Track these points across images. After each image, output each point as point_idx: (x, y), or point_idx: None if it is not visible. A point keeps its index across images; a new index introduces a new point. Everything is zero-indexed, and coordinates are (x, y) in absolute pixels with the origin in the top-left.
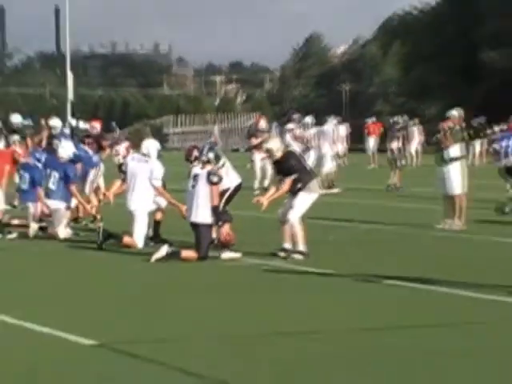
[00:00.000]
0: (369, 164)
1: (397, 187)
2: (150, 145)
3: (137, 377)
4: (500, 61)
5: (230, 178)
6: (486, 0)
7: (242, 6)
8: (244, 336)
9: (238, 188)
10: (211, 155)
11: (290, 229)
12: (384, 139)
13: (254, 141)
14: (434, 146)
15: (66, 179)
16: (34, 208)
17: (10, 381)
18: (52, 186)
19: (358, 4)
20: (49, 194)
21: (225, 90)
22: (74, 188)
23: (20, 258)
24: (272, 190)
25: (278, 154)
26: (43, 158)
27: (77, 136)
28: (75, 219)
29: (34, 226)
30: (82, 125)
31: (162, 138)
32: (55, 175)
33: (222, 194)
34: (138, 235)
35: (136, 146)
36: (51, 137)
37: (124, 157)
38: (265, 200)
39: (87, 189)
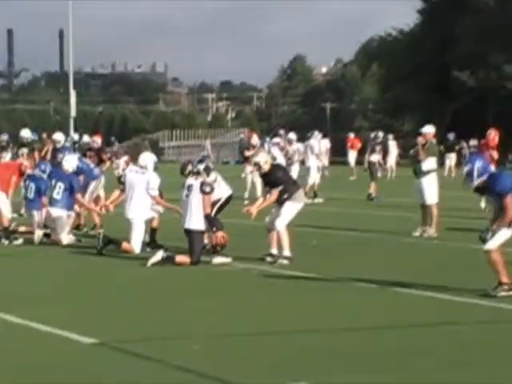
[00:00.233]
0: (351, 175)
1: (374, 197)
2: (147, 157)
3: (136, 375)
4: (472, 80)
5: (222, 190)
6: (461, 23)
7: (231, 30)
8: (240, 334)
9: (229, 199)
10: (201, 166)
11: (276, 235)
12: (363, 153)
13: (247, 153)
14: (411, 160)
15: (71, 190)
16: (38, 216)
17: (11, 378)
18: (57, 195)
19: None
20: (52, 202)
21: (216, 107)
22: (80, 197)
23: (25, 262)
24: (260, 200)
25: (266, 167)
26: (48, 169)
27: (80, 149)
28: (77, 226)
29: (38, 233)
30: (86, 138)
31: (158, 151)
32: (61, 186)
33: (213, 203)
34: (136, 241)
35: (134, 159)
36: (55, 150)
37: (123, 169)
38: (254, 210)
39: (87, 199)
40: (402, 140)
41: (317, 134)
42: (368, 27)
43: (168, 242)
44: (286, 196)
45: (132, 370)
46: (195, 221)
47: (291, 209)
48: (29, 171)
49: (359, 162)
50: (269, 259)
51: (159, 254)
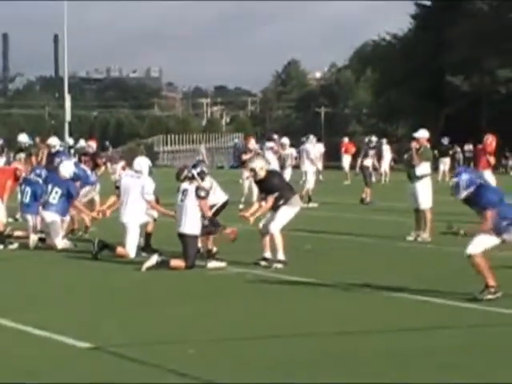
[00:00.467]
0: (345, 180)
1: (368, 201)
2: (142, 162)
3: (131, 379)
4: (465, 85)
5: (217, 196)
6: (454, 28)
7: (226, 35)
8: (235, 339)
9: (224, 204)
10: (195, 171)
11: (270, 239)
12: (357, 157)
13: (244, 157)
14: (405, 164)
15: (68, 195)
16: (33, 220)
17: (7, 383)
18: (53, 200)
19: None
20: (47, 206)
21: (211, 112)
22: (77, 203)
23: (20, 266)
24: (255, 205)
25: (262, 174)
26: (43, 173)
27: (77, 154)
28: (72, 231)
29: (33, 238)
30: (82, 143)
31: (153, 156)
32: (57, 191)
33: (209, 208)
34: (131, 246)
35: (130, 164)
36: (50, 155)
37: (120, 175)
38: (251, 216)
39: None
40: (395, 144)
41: (312, 138)
42: (362, 32)
43: (163, 246)
44: (281, 202)
45: (127, 375)
46: (189, 225)
47: (287, 213)
48: (24, 175)
49: (353, 166)
50: (263, 263)
51: (154, 259)
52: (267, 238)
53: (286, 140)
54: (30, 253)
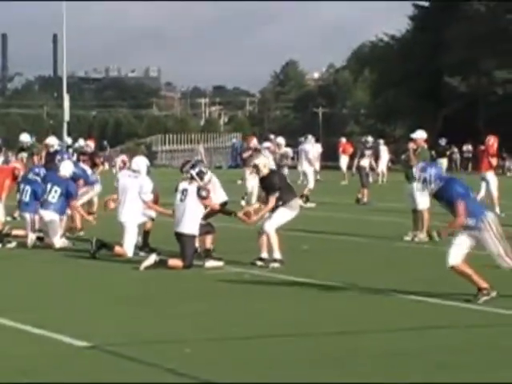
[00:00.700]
0: (343, 180)
1: (365, 202)
2: (140, 161)
3: (128, 378)
4: (463, 86)
5: (217, 196)
6: (452, 29)
7: (224, 35)
8: (232, 338)
9: (223, 205)
10: (193, 172)
11: (266, 239)
12: (354, 158)
13: (245, 154)
14: (403, 165)
15: (67, 195)
16: (30, 219)
17: (5, 381)
18: (52, 199)
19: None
20: (46, 205)
21: (209, 112)
22: (76, 203)
23: (18, 265)
24: (256, 205)
25: (265, 171)
26: (42, 172)
27: (76, 153)
28: (70, 229)
29: (31, 236)
30: (82, 142)
31: (151, 155)
32: (57, 190)
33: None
34: (128, 245)
35: (130, 160)
36: (48, 154)
37: (120, 168)
38: (254, 218)
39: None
40: (393, 145)
41: (311, 138)
42: (360, 33)
43: (161, 245)
44: (280, 203)
45: (125, 374)
46: (188, 225)
47: (284, 215)
48: (22, 173)
49: (351, 166)
50: (259, 263)
51: (152, 258)
52: (264, 238)
53: (281, 140)
54: (28, 252)
